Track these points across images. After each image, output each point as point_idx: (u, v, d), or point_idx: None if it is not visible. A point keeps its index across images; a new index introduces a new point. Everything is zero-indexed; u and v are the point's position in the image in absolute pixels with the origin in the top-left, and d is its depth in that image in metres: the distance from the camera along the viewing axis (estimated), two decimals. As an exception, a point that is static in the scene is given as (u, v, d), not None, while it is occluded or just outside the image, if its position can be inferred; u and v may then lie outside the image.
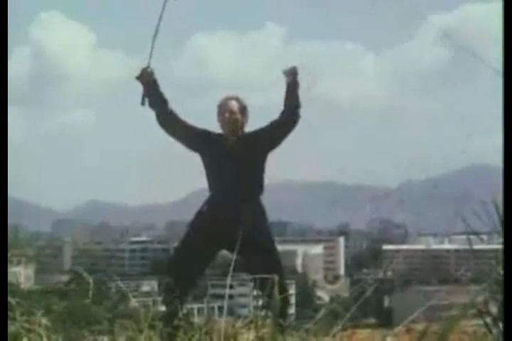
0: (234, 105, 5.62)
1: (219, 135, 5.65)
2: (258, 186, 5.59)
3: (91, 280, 5.06)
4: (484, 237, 4.10)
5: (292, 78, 5.44)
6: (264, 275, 4.89)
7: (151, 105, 5.63)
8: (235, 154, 5.52)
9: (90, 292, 4.92)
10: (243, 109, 5.64)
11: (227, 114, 5.58)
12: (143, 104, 5.68)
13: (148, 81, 5.61)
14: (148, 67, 5.63)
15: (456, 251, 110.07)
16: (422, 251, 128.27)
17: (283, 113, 5.50)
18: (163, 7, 5.58)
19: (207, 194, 5.67)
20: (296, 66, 5.45)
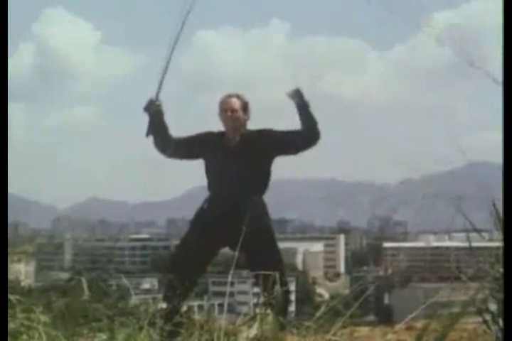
0: (235, 102, 5.61)
1: (221, 134, 5.65)
2: (261, 184, 5.59)
3: (84, 280, 5.07)
4: (484, 235, 4.10)
5: (299, 99, 5.43)
6: (265, 272, 4.89)
7: (153, 134, 5.66)
8: (238, 152, 5.52)
9: (86, 290, 4.92)
10: (245, 106, 5.64)
11: (229, 112, 5.58)
12: (148, 135, 5.68)
13: (155, 112, 5.63)
14: (156, 99, 5.65)
15: (456, 248, 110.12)
16: (422, 248, 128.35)
17: (302, 133, 5.47)
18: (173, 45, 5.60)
19: (206, 191, 5.67)
20: (299, 88, 5.42)
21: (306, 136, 5.48)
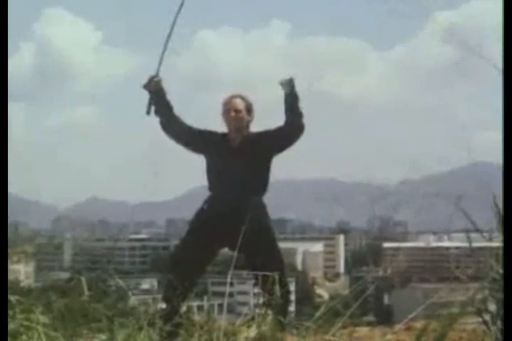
0: (239, 103, 5.60)
1: (224, 135, 5.64)
2: (261, 185, 5.59)
3: (84, 280, 5.07)
4: (485, 235, 4.10)
5: (290, 89, 5.42)
6: (265, 272, 4.89)
7: (157, 113, 5.63)
8: (240, 153, 5.51)
9: (85, 290, 4.92)
10: (249, 107, 5.63)
11: (232, 113, 5.57)
12: (148, 113, 5.66)
13: (155, 90, 5.61)
14: (156, 75, 5.63)
15: (456, 248, 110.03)
16: (422, 248, 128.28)
17: (286, 124, 5.47)
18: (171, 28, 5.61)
19: (206, 191, 5.67)
20: (293, 78, 5.42)
21: (291, 129, 5.47)
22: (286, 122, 5.46)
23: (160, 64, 5.66)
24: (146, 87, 5.64)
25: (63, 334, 4.30)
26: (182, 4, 5.65)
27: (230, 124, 5.60)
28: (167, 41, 5.64)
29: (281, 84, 5.44)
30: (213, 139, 5.62)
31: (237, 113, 5.57)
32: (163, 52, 5.64)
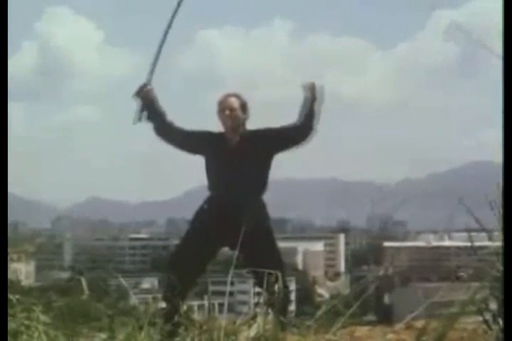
0: (234, 102, 5.61)
1: (221, 134, 5.65)
2: (261, 184, 5.59)
3: (84, 280, 5.08)
4: (484, 234, 4.10)
5: (310, 93, 5.46)
6: (266, 271, 4.89)
7: (150, 119, 5.64)
8: (238, 152, 5.52)
9: (86, 290, 4.92)
10: (243, 106, 5.64)
11: (227, 111, 5.58)
12: (139, 120, 5.65)
13: (146, 98, 5.61)
14: (146, 84, 5.64)
15: (457, 248, 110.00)
16: (422, 248, 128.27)
17: (299, 125, 5.49)
18: (166, 33, 5.61)
19: (206, 191, 5.67)
20: (315, 82, 5.46)
21: (302, 131, 5.49)
22: (301, 124, 5.47)
23: (152, 72, 5.65)
24: (137, 95, 5.64)
25: (64, 333, 4.30)
26: (174, 15, 5.67)
27: (225, 123, 5.61)
28: (159, 52, 5.65)
29: (304, 87, 5.49)
30: (210, 139, 5.63)
31: (231, 111, 5.58)
32: (155, 61, 5.65)
